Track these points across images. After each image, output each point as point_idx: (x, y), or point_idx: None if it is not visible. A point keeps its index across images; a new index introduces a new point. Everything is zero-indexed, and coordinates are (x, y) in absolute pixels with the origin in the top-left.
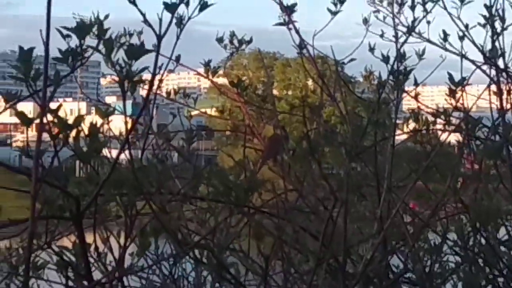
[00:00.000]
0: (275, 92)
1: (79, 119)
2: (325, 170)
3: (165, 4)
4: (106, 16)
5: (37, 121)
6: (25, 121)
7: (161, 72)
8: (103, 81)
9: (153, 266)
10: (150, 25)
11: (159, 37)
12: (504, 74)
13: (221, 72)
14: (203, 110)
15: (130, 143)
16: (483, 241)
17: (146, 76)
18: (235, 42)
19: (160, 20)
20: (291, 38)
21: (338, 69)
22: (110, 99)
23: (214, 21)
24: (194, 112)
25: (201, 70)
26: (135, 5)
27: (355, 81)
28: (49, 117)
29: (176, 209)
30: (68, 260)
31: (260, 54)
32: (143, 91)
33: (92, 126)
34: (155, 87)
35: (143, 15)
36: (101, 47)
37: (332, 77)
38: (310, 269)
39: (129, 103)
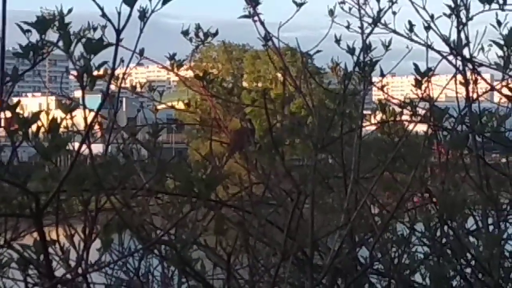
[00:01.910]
0: (245, 84)
1: (37, 114)
2: (295, 162)
3: None
4: (70, 10)
5: None
6: None
7: (125, 65)
8: (72, 76)
9: (118, 262)
10: (108, 19)
11: (118, 31)
12: (469, 64)
13: (189, 65)
14: (172, 103)
15: (89, 138)
16: (450, 231)
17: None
18: (201, 34)
19: (119, 13)
20: (256, 30)
21: (305, 61)
22: (79, 94)
23: (185, 14)
24: (162, 106)
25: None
26: None
27: (324, 72)
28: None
29: (141, 204)
30: (30, 258)
31: (230, 46)
32: (114, 87)
33: (53, 121)
34: (119, 81)
35: (101, 9)
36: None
37: (300, 69)
38: (276, 262)
39: (98, 97)
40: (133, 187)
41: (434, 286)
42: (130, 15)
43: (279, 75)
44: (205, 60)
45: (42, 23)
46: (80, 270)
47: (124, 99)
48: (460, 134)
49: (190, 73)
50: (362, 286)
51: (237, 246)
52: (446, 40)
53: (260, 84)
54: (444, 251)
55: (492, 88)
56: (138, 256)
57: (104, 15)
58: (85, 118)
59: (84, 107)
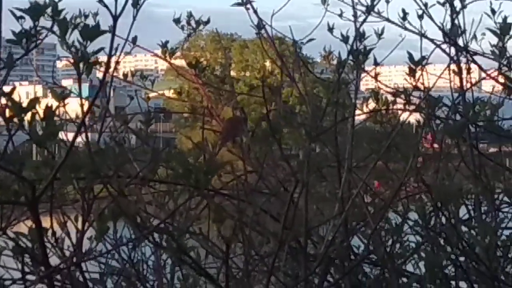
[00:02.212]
0: (233, 73)
1: (34, 102)
2: (284, 151)
3: None
4: None
5: None
6: None
7: (118, 53)
8: (59, 64)
9: (112, 251)
10: (105, 5)
11: (115, 18)
12: (464, 52)
13: (178, 53)
14: (160, 92)
15: (86, 126)
16: (443, 220)
17: (105, 57)
18: (192, 23)
19: (116, 0)
20: (249, 18)
21: (296, 50)
22: (67, 82)
23: (172, 3)
24: (152, 94)
25: (159, 51)
26: None
27: (313, 61)
28: (3, 100)
29: (135, 193)
30: (25, 246)
31: (218, 36)
32: (100, 74)
33: (48, 109)
34: (111, 69)
35: None
36: (55, 28)
37: (291, 58)
38: (271, 251)
39: (86, 85)
40: (127, 175)
41: (429, 275)
42: (126, 2)
43: (267, 64)
44: (193, 49)
45: (35, 10)
46: (74, 259)
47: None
48: (456, 123)
49: (179, 62)
50: (356, 275)
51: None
52: (442, 28)
53: (248, 74)
54: (438, 240)
55: (488, 77)
56: (131, 245)
57: (101, 0)
58: (82, 106)
59: (80, 95)
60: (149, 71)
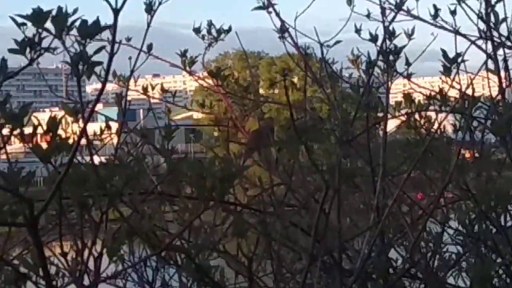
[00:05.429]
0: (261, 91)
1: (25, 111)
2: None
3: None
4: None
5: None
6: None
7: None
8: (88, 89)
9: (130, 273)
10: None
11: (116, 11)
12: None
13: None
14: (190, 112)
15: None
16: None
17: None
18: (213, 32)
19: None
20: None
21: (323, 58)
22: (96, 107)
23: (196, 24)
24: (179, 116)
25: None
26: None
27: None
28: None
29: (152, 209)
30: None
31: (245, 54)
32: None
33: (51, 120)
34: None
35: None
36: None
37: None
38: (303, 268)
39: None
40: (141, 191)
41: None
42: None
43: (295, 80)
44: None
45: (38, 16)
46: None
47: (141, 111)
48: (501, 119)
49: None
50: None
51: (259, 251)
52: (482, 18)
53: (276, 91)
54: (480, 249)
55: None
56: (152, 268)
57: None
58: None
59: (81, 104)
60: (178, 92)
